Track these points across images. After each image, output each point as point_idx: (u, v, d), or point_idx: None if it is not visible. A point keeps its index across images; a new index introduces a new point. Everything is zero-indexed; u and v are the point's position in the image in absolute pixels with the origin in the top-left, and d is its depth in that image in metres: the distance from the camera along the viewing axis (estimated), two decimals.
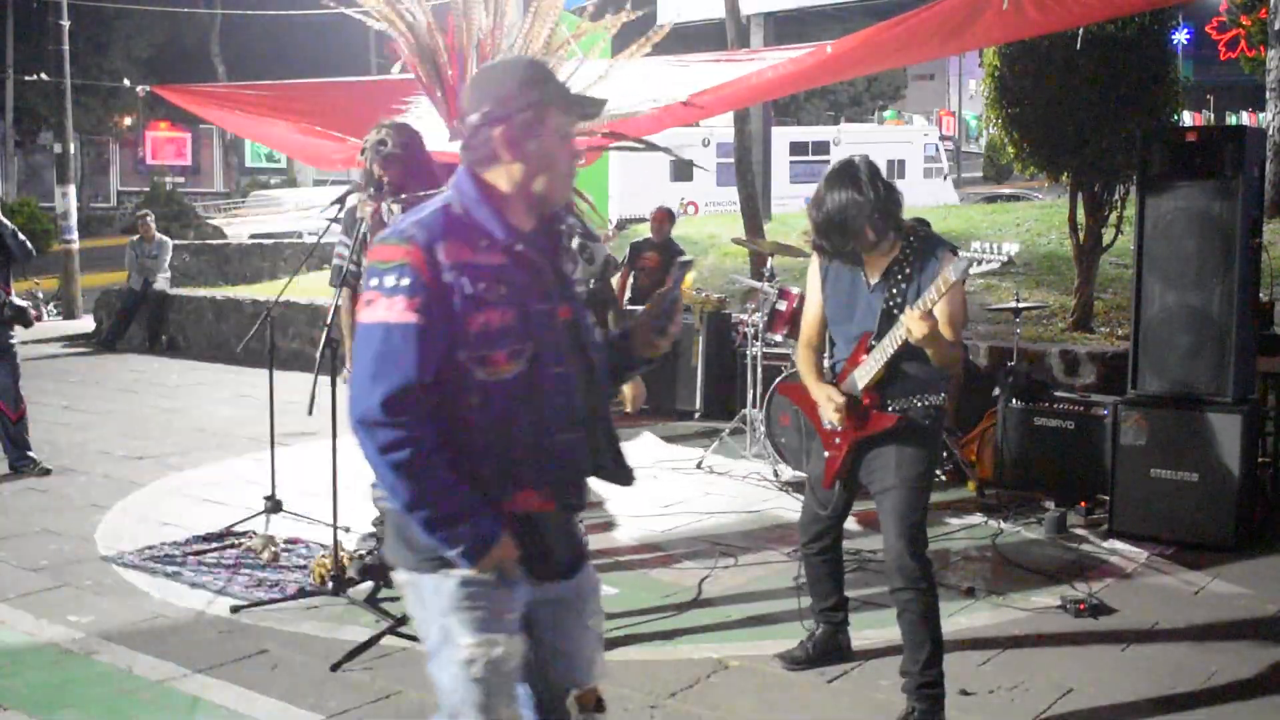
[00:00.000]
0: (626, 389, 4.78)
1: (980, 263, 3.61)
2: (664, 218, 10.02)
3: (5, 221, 7.65)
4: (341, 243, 5.46)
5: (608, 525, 6.30)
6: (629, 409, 4.85)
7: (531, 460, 2.47)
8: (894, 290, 3.91)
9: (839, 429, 4.05)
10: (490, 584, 2.46)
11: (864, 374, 3.96)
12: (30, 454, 7.66)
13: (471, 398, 2.42)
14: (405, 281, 2.37)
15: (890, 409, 3.95)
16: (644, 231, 10.44)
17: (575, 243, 4.51)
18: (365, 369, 2.38)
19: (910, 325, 3.67)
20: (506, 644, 2.50)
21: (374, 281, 2.42)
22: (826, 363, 4.27)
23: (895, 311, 3.87)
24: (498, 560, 2.43)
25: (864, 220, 3.81)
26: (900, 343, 3.80)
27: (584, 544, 2.76)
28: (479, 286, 2.41)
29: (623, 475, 2.69)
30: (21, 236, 7.75)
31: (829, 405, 4.02)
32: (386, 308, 2.37)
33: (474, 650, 2.48)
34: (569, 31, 5.88)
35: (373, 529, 5.50)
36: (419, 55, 5.49)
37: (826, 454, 4.14)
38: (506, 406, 2.44)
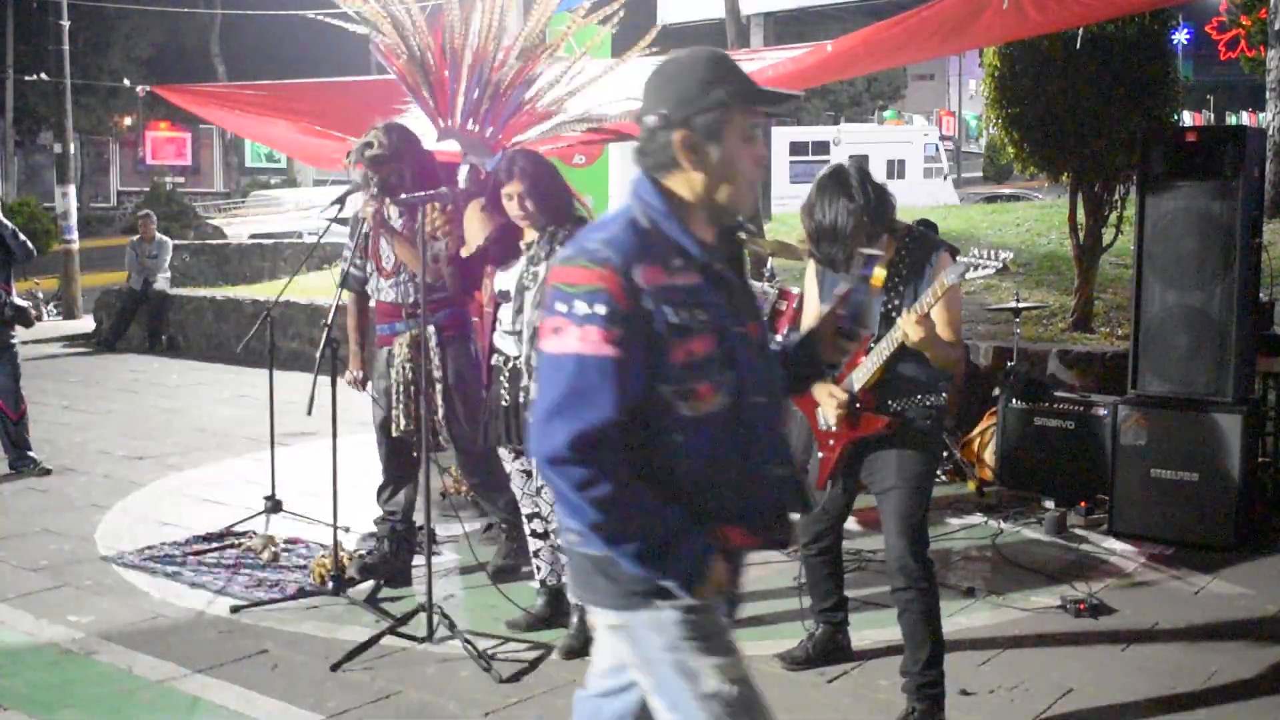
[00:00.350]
0: None
1: (976, 268, 3.60)
2: None
3: (5, 222, 7.65)
4: (348, 246, 5.46)
5: None
6: None
7: (738, 499, 2.28)
8: (891, 293, 3.92)
9: (834, 429, 4.06)
10: (710, 608, 2.29)
11: (861, 375, 3.96)
12: (30, 454, 7.66)
13: (675, 435, 2.22)
14: (600, 309, 2.14)
15: (889, 410, 3.95)
16: None
17: None
18: (552, 404, 2.16)
19: (907, 329, 3.69)
20: (744, 663, 2.34)
21: (561, 307, 2.18)
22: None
23: (893, 314, 3.87)
24: (717, 583, 2.24)
25: (856, 225, 3.81)
26: (897, 345, 3.81)
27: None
28: (681, 313, 2.19)
29: (801, 498, 2.51)
30: (22, 237, 7.76)
31: (830, 403, 4.02)
32: (579, 338, 2.15)
33: (721, 677, 2.27)
34: (562, 26, 5.87)
35: (373, 528, 5.50)
36: (407, 56, 5.49)
37: (820, 454, 4.15)
38: (712, 443, 2.24)
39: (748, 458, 2.28)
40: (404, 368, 5.10)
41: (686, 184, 2.28)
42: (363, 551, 5.48)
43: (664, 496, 2.20)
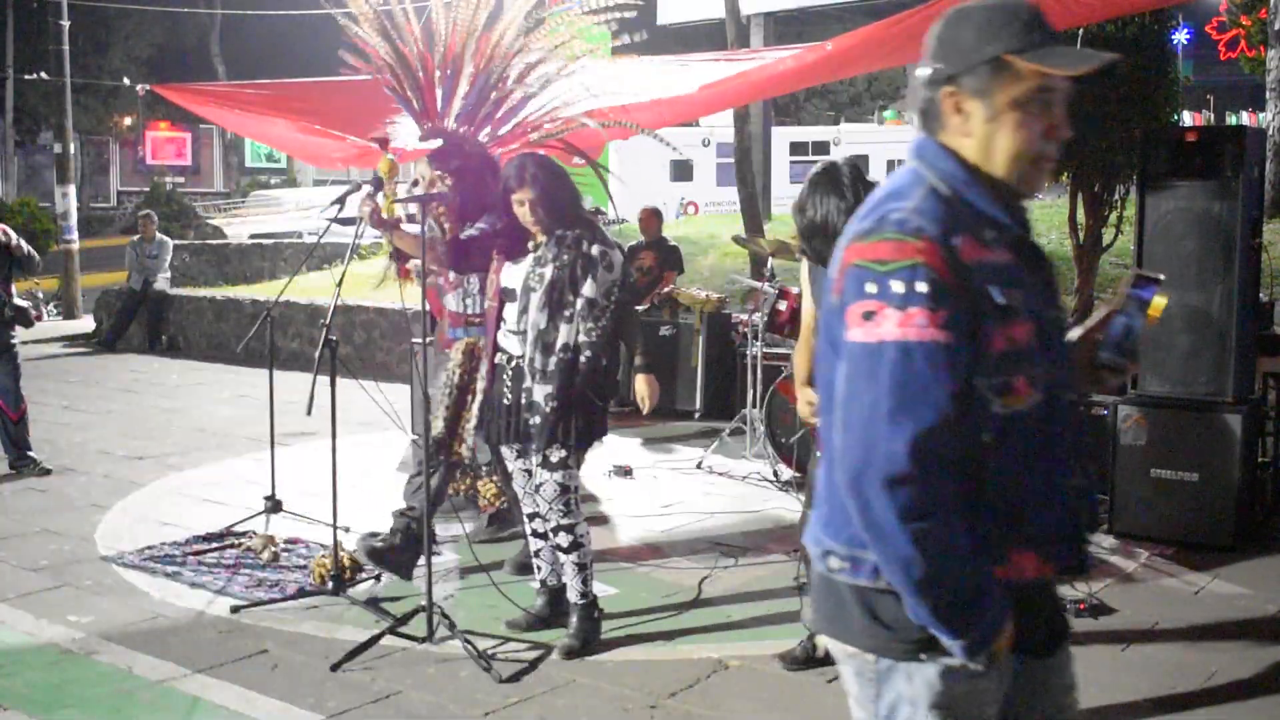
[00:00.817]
0: (643, 388, 4.79)
1: None
2: (650, 216, 10.09)
3: (24, 244, 7.75)
4: None
5: (608, 525, 6.30)
6: (645, 409, 4.85)
7: (1038, 514, 1.97)
8: None
9: None
10: (978, 674, 1.95)
11: None
12: (30, 454, 7.66)
13: (984, 436, 1.91)
14: (922, 287, 1.84)
15: None
16: (632, 234, 10.47)
17: (595, 249, 4.48)
18: (879, 404, 1.83)
19: None
20: None
21: (872, 288, 1.87)
22: None
23: None
24: (999, 650, 1.93)
25: (846, 224, 3.79)
26: None
27: (1066, 615, 2.21)
28: (1006, 293, 1.90)
29: (1094, 515, 2.18)
30: (37, 259, 7.83)
31: (807, 407, 4.04)
32: (900, 322, 1.83)
33: None
34: (561, 26, 5.85)
35: (372, 528, 5.50)
36: (395, 56, 5.48)
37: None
38: (1021, 447, 1.94)
39: (1052, 465, 1.98)
40: (454, 373, 5.21)
41: (962, 150, 1.98)
42: (379, 540, 5.48)
43: (969, 515, 1.90)
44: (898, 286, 1.85)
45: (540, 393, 4.46)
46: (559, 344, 4.44)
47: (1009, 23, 1.93)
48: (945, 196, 1.94)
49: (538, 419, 4.47)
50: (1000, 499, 1.94)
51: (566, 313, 4.44)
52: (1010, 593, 1.94)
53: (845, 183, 3.81)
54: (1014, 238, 1.96)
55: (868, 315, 1.87)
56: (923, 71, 1.99)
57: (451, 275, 5.31)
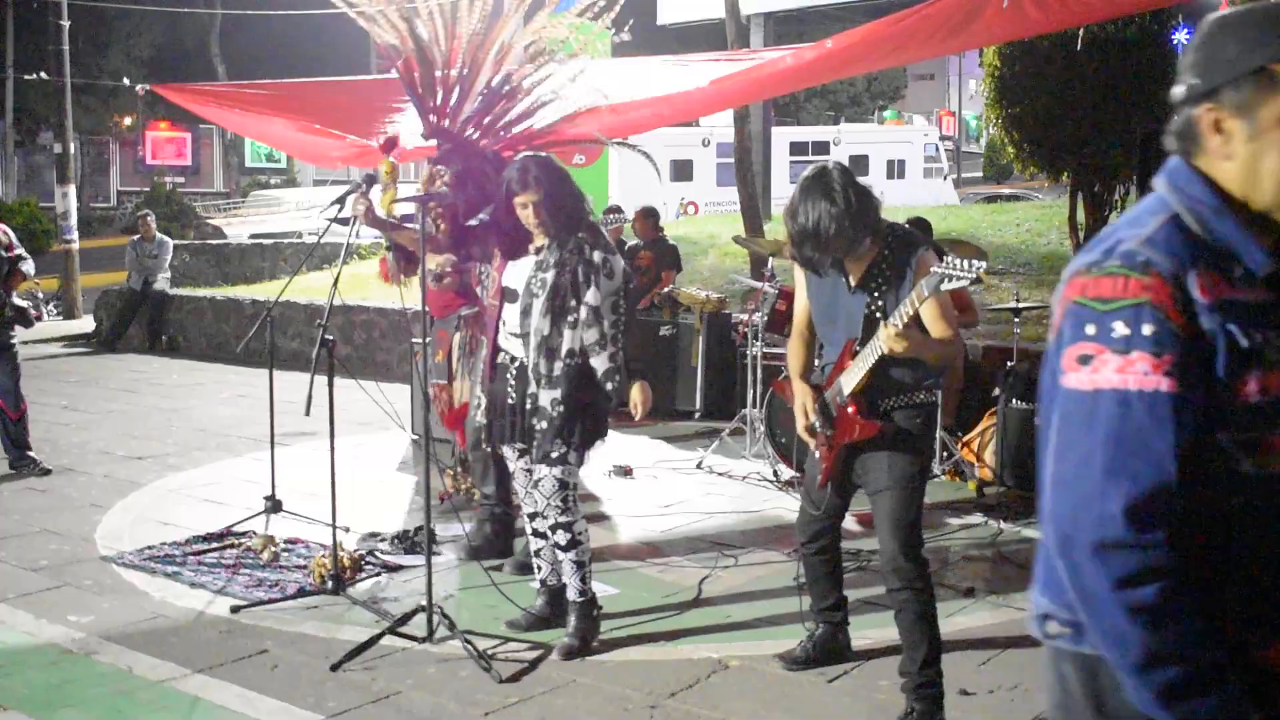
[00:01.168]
0: (636, 395, 4.79)
1: (951, 279, 3.55)
2: (642, 218, 10.07)
3: (26, 255, 7.76)
4: None
5: (608, 525, 6.30)
6: (637, 416, 4.85)
7: None
8: (875, 295, 3.88)
9: (827, 433, 4.05)
10: None
11: (849, 380, 3.93)
12: (30, 454, 7.66)
13: (1230, 498, 1.69)
14: (1147, 329, 1.65)
15: (879, 411, 3.93)
16: (630, 235, 10.46)
17: (597, 255, 4.47)
18: (1093, 459, 1.65)
19: (889, 344, 3.65)
20: None
21: (1091, 328, 1.69)
22: (818, 361, 4.26)
23: (878, 316, 3.85)
24: None
25: (837, 230, 3.77)
26: (881, 353, 3.78)
27: None
28: (1253, 335, 1.67)
29: None
30: (29, 270, 7.79)
31: (809, 408, 4.03)
32: (1119, 368, 1.65)
33: None
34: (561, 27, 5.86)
35: (481, 517, 5.60)
36: (413, 51, 5.49)
37: (819, 455, 4.14)
38: (1278, 512, 1.71)
39: None
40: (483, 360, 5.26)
41: (1220, 175, 1.76)
42: (470, 535, 5.62)
43: (1213, 588, 1.69)
44: (1120, 328, 1.67)
45: (546, 398, 4.46)
46: (564, 349, 4.43)
47: (1276, 27, 1.70)
48: (1189, 227, 1.74)
49: (544, 424, 4.47)
50: (1253, 572, 1.72)
51: (570, 318, 4.43)
52: (1269, 683, 1.71)
53: (836, 187, 3.77)
54: (1272, 275, 1.73)
55: (1084, 359, 1.69)
56: (1178, 89, 1.79)
57: (478, 270, 5.33)
